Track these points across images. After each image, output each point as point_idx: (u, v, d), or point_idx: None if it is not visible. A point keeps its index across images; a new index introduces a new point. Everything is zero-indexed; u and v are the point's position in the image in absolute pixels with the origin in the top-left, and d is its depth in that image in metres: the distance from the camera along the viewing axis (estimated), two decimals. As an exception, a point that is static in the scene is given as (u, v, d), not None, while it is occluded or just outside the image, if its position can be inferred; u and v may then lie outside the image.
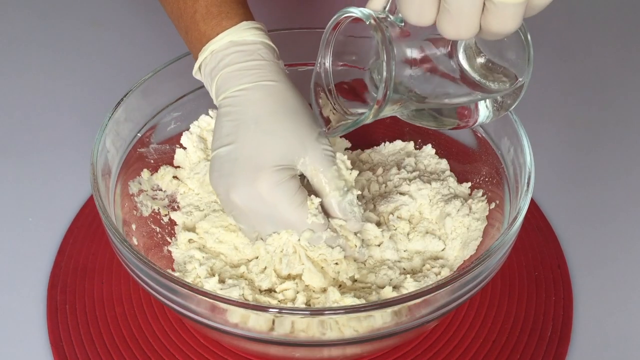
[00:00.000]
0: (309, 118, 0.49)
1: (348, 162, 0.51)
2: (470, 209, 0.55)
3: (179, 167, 0.59)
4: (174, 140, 0.59)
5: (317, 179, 0.49)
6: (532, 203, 0.64)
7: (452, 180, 0.58)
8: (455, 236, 0.54)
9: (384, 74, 0.39)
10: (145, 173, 0.57)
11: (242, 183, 0.47)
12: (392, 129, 0.64)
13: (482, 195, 0.56)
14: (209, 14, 0.51)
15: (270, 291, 0.50)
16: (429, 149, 0.62)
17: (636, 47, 0.87)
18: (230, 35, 0.50)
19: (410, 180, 0.58)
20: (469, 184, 0.58)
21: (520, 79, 0.43)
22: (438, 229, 0.55)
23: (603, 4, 0.95)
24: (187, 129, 0.59)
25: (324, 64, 0.46)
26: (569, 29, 0.90)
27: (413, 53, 0.41)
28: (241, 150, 0.48)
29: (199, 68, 0.52)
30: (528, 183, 0.47)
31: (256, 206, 0.48)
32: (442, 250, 0.54)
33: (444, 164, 0.61)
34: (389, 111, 0.42)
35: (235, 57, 0.50)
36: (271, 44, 0.51)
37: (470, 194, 0.58)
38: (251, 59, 0.50)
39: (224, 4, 0.51)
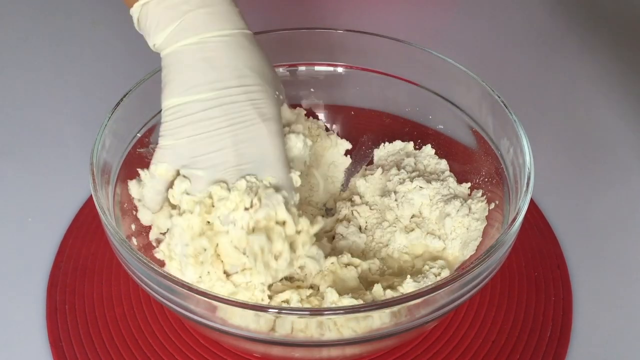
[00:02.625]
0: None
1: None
2: (469, 209, 0.55)
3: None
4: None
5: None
6: (532, 203, 0.64)
7: (451, 181, 0.58)
8: (455, 236, 0.54)
9: None
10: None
11: (246, 133, 0.46)
12: (391, 129, 0.64)
13: (482, 196, 0.56)
14: None
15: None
16: (428, 149, 0.62)
17: (636, 47, 0.87)
18: None
19: (411, 179, 0.58)
20: (469, 184, 0.58)
21: None
22: (438, 229, 0.55)
23: (602, 3, 0.95)
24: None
25: None
26: (568, 28, 0.90)
27: None
28: (238, 99, 0.46)
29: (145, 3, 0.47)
30: (528, 183, 0.47)
31: (253, 144, 0.47)
32: (442, 250, 0.54)
33: (443, 164, 0.60)
34: None
35: None
36: None
37: (469, 194, 0.58)
38: (227, 2, 0.48)
39: None
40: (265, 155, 0.47)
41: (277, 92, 0.50)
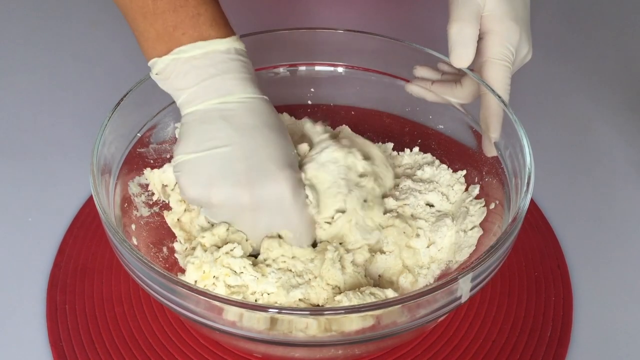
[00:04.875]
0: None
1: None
2: (467, 210, 0.55)
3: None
4: (174, 141, 0.59)
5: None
6: (532, 203, 0.64)
7: (445, 173, 0.58)
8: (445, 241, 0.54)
9: None
10: (145, 172, 0.57)
11: (265, 180, 0.49)
12: (391, 129, 0.64)
13: (480, 199, 0.56)
14: (215, 21, 0.51)
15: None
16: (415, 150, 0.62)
17: (636, 46, 0.87)
18: (235, 43, 0.51)
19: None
20: (464, 171, 0.59)
21: None
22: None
23: (602, 3, 0.95)
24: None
25: None
26: (568, 28, 0.90)
27: None
28: (258, 150, 0.49)
29: (164, 64, 0.50)
30: (528, 183, 0.47)
31: (272, 204, 0.49)
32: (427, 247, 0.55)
33: (429, 157, 0.61)
34: None
35: (237, 65, 0.50)
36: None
37: (466, 189, 0.58)
38: (248, 71, 0.51)
39: (223, 16, 0.52)
40: (285, 212, 0.50)
41: (294, 150, 0.53)
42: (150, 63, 0.51)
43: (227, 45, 0.50)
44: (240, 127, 0.49)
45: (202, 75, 0.49)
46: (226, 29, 0.51)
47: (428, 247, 0.54)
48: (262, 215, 0.50)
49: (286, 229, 0.51)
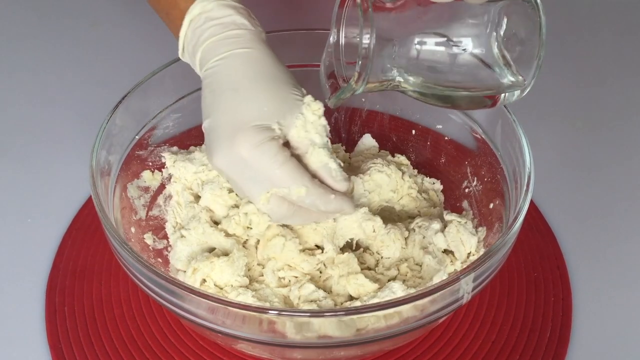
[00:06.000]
0: (288, 82, 0.50)
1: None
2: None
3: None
4: (173, 142, 0.59)
5: (300, 138, 0.49)
6: (532, 204, 0.64)
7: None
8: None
9: (361, 47, 0.40)
10: (144, 175, 0.57)
11: (221, 148, 0.47)
12: (391, 129, 0.64)
13: (473, 220, 0.56)
14: None
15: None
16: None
17: (636, 46, 0.87)
18: (204, 3, 0.50)
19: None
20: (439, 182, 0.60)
21: (525, 82, 0.44)
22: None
23: (602, 3, 0.95)
24: (186, 130, 0.59)
25: (335, 37, 0.47)
26: (568, 28, 0.90)
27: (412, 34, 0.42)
28: (220, 118, 0.48)
29: (183, 49, 0.52)
30: (528, 183, 0.47)
31: (239, 170, 0.48)
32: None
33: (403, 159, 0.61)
34: (376, 87, 0.44)
35: (212, 30, 0.50)
36: (245, 11, 0.52)
37: (461, 212, 0.58)
38: (227, 29, 0.50)
39: None
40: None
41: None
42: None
43: (195, 11, 0.50)
44: (216, 91, 0.49)
45: (192, 56, 0.51)
46: None
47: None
48: (245, 181, 0.48)
49: (270, 188, 0.48)
